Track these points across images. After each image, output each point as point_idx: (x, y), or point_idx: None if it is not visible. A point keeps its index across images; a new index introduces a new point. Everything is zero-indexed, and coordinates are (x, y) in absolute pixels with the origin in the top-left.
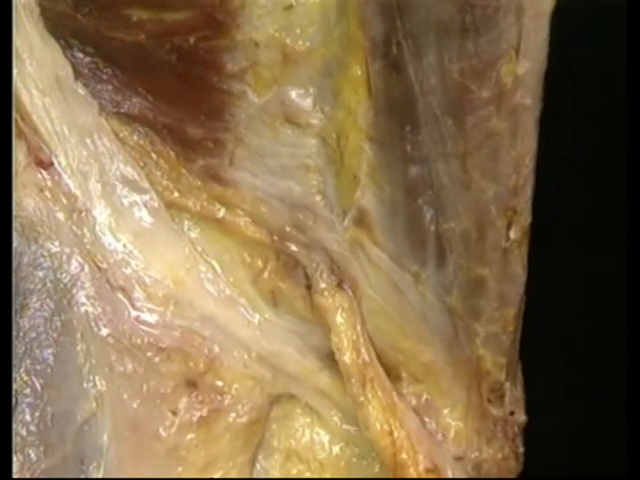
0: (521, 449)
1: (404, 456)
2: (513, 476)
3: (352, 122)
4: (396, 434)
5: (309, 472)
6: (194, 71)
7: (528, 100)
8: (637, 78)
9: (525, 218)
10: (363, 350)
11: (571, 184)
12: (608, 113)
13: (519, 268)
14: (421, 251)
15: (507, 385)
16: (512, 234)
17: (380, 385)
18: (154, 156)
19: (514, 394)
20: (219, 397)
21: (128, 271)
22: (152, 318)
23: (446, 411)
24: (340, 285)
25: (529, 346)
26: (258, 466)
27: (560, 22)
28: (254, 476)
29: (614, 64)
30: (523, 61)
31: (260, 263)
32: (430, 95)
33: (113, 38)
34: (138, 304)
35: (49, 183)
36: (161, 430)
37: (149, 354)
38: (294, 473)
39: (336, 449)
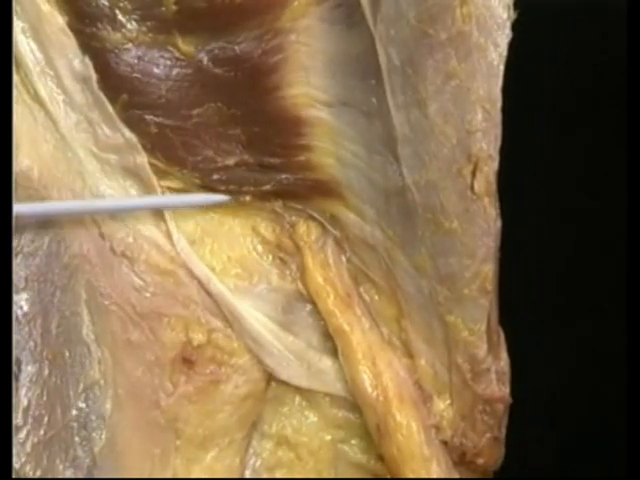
0: (503, 433)
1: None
2: (494, 461)
3: None
4: (380, 365)
5: (297, 459)
6: None
7: (484, 42)
8: (637, 78)
9: (490, 167)
10: (339, 286)
11: (570, 183)
12: (608, 113)
13: (489, 220)
14: (386, 208)
15: (489, 359)
16: (477, 183)
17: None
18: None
19: (499, 368)
20: (218, 369)
21: (130, 240)
22: (154, 287)
23: (435, 396)
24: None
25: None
26: (251, 450)
27: (560, 22)
28: (247, 459)
29: (614, 65)
30: (476, 1)
31: (264, 233)
32: (389, 46)
33: None
34: (140, 273)
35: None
36: (161, 400)
37: (151, 323)
38: (284, 459)
39: (323, 434)
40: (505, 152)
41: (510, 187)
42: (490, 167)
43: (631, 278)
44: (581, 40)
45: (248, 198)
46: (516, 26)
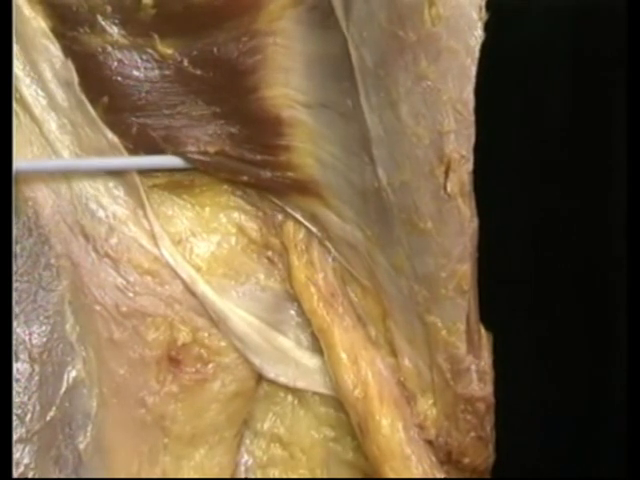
0: (489, 432)
1: (364, 388)
2: (482, 460)
3: None
4: (362, 363)
5: (290, 457)
6: None
7: (454, 44)
8: (637, 78)
9: (463, 167)
10: (322, 286)
11: (568, 182)
12: (608, 113)
13: (464, 220)
14: (364, 209)
15: (469, 358)
16: (450, 184)
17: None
18: None
19: (479, 367)
20: (204, 368)
21: (114, 240)
22: (138, 287)
23: (419, 395)
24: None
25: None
26: (244, 448)
27: (560, 21)
28: (240, 457)
29: (614, 63)
30: (446, 2)
31: (251, 233)
32: (362, 48)
33: None
34: (124, 273)
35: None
36: (147, 398)
37: (135, 322)
38: (276, 457)
39: (314, 433)
40: (487, 152)
41: (492, 186)
42: (463, 168)
43: (625, 276)
44: (581, 40)
45: (226, 186)
46: (490, 27)
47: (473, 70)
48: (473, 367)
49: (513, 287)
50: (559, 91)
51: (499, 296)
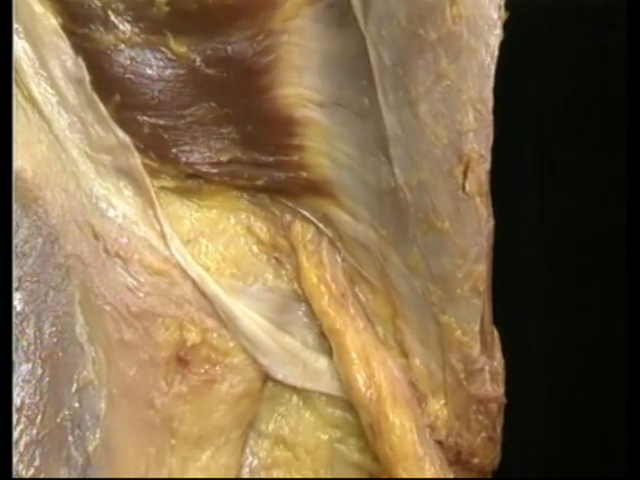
0: (499, 432)
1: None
2: (490, 460)
3: None
4: (374, 364)
5: (294, 458)
6: None
7: (474, 42)
8: (637, 77)
9: (481, 167)
10: (333, 286)
11: (567, 182)
12: (608, 113)
13: (481, 220)
14: (379, 209)
15: (483, 359)
16: (468, 183)
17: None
18: None
19: (492, 368)
20: (212, 369)
21: (124, 240)
22: (148, 287)
23: (429, 396)
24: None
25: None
26: (248, 449)
27: (561, 21)
28: (244, 458)
29: (614, 63)
30: (466, 1)
31: (259, 234)
32: (380, 46)
33: None
34: (134, 273)
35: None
36: (156, 399)
37: (145, 323)
38: (280, 458)
39: (319, 434)
40: (500, 152)
41: (505, 187)
42: (482, 167)
43: (631, 278)
44: (574, 40)
45: (235, 190)
46: (509, 26)
47: (492, 69)
48: (486, 368)
49: (515, 287)
50: (561, 91)
51: (501, 296)
